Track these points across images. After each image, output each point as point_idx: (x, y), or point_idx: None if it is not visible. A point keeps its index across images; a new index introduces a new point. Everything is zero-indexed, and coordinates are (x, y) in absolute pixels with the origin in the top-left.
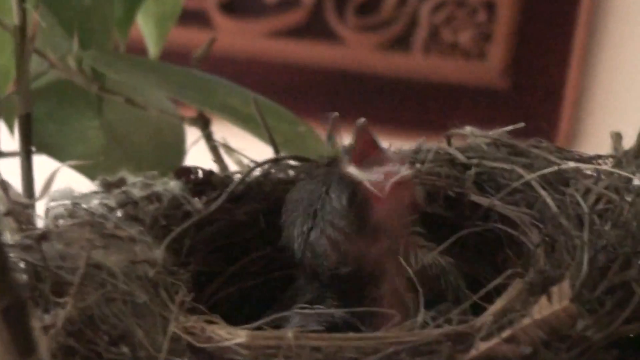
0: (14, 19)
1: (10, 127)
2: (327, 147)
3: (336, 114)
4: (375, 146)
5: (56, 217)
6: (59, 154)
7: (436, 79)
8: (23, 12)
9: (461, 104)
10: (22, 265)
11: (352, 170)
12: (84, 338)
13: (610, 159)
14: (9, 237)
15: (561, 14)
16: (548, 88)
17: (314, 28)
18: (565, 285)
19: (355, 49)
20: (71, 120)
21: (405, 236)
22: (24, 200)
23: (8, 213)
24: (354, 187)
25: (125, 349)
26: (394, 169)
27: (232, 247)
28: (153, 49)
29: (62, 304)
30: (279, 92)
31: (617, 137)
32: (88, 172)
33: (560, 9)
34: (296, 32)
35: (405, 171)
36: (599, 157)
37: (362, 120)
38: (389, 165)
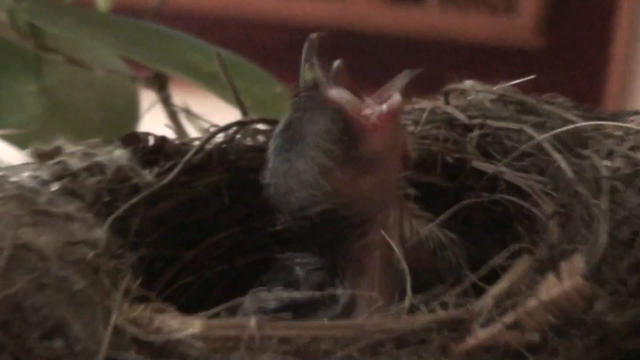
0: None
1: None
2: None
3: (315, 34)
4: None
5: None
6: None
7: (455, 38)
8: None
9: (486, 67)
10: None
11: (335, 93)
12: (11, 331)
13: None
14: None
15: None
16: (591, 46)
17: None
18: (577, 259)
19: (358, 4)
20: (5, 85)
21: (398, 181)
22: None
23: None
24: (339, 112)
25: (59, 343)
26: (383, 95)
27: (191, 228)
28: (103, 1)
29: None
30: (278, 53)
31: None
32: (23, 143)
33: None
34: None
35: (395, 98)
36: (626, 113)
37: (337, 62)
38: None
